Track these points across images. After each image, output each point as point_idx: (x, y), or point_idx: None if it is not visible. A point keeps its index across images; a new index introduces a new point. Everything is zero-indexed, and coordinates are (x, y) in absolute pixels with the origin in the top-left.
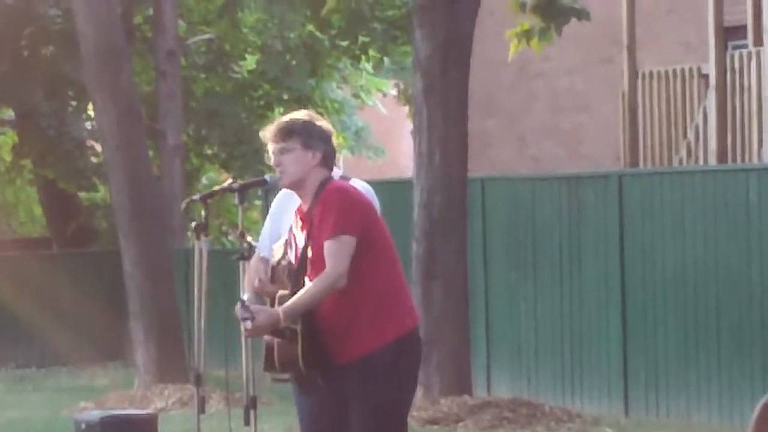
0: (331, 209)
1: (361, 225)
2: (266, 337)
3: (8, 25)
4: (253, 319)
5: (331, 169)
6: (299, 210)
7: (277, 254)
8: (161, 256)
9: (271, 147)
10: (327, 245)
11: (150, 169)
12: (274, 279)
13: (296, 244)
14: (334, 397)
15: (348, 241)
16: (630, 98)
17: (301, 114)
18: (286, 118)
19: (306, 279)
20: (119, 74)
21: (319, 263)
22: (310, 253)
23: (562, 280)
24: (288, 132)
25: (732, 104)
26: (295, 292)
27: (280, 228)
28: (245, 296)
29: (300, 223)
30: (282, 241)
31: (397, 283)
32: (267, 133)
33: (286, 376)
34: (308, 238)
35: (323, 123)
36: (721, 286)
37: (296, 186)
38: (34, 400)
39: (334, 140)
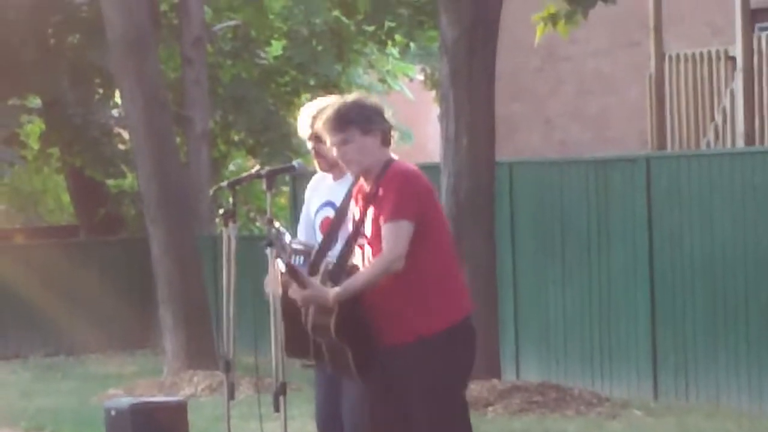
0: (391, 192)
1: (420, 209)
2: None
3: (35, 14)
4: (302, 286)
5: (389, 145)
6: (360, 190)
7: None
8: (189, 243)
9: (328, 140)
10: (385, 228)
11: (177, 156)
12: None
13: (354, 223)
14: (377, 378)
15: (406, 226)
16: (657, 81)
17: (349, 99)
18: (337, 106)
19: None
20: (145, 62)
21: (376, 245)
22: (369, 233)
23: (590, 263)
24: (345, 122)
25: (759, 86)
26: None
27: (309, 213)
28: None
29: (361, 203)
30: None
31: (452, 269)
32: (321, 125)
33: (313, 362)
34: (365, 218)
35: (373, 101)
36: (750, 268)
37: (365, 173)
38: (63, 388)
39: (387, 113)
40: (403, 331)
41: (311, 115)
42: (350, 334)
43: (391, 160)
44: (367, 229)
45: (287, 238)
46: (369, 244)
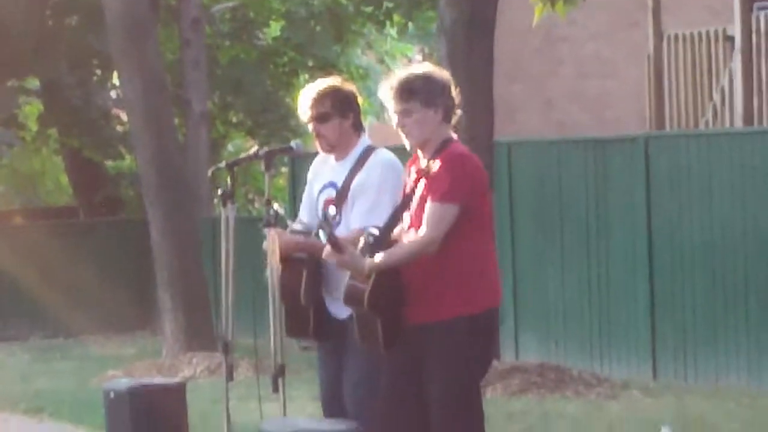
0: (446, 172)
1: (469, 196)
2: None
3: None
4: (340, 250)
5: (451, 122)
6: (416, 165)
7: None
8: (188, 225)
9: (391, 107)
10: (431, 207)
11: (176, 137)
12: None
13: (404, 195)
14: (400, 354)
15: (452, 209)
16: (656, 62)
17: (418, 70)
18: (404, 75)
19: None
20: (144, 44)
21: (417, 219)
22: (414, 207)
23: (589, 244)
24: (408, 92)
25: (758, 66)
26: None
27: (312, 194)
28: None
29: (414, 176)
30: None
31: (488, 259)
32: (386, 93)
33: (311, 343)
34: (415, 192)
35: (441, 74)
36: (749, 249)
37: (422, 146)
38: (62, 370)
39: (454, 90)
40: (434, 311)
41: (311, 97)
42: (383, 306)
43: (450, 139)
44: (414, 203)
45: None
46: (412, 218)
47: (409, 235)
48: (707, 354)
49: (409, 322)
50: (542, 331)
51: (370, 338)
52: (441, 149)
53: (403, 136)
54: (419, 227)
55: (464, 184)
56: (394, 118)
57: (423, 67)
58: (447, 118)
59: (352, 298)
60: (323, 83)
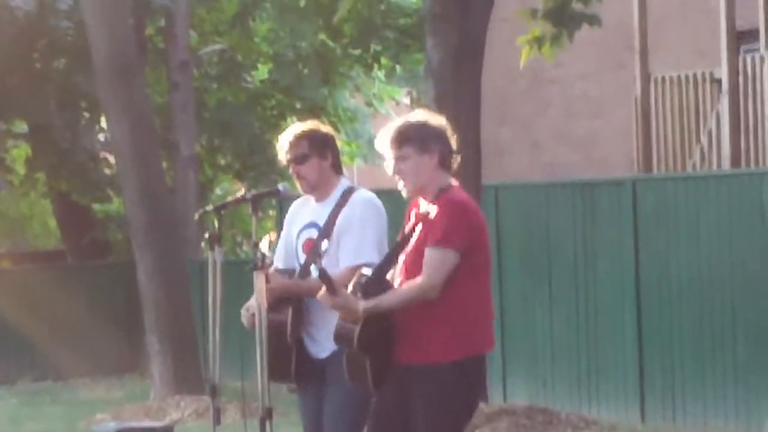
0: (445, 218)
1: (469, 242)
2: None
3: (20, 38)
4: (333, 293)
5: (449, 169)
6: (416, 209)
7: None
8: (176, 268)
9: (387, 154)
10: (429, 253)
11: (164, 180)
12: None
13: (402, 238)
14: (388, 394)
15: (451, 255)
16: (643, 103)
17: (414, 117)
18: (401, 123)
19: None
20: (132, 87)
21: (414, 266)
22: (408, 252)
23: (577, 286)
24: (403, 139)
25: (745, 108)
26: None
27: (288, 236)
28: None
29: (413, 220)
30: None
31: (484, 305)
32: (383, 142)
33: (295, 385)
34: (412, 236)
35: (436, 121)
36: (737, 290)
37: (419, 192)
38: (51, 413)
39: (449, 137)
40: (422, 353)
41: (288, 141)
42: (372, 347)
43: (449, 186)
44: (410, 246)
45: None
46: (404, 263)
47: (401, 279)
48: (695, 396)
49: (396, 362)
50: (530, 373)
51: (359, 377)
52: (440, 195)
53: (399, 183)
54: (412, 271)
55: (463, 230)
56: (390, 166)
57: (419, 114)
58: (443, 163)
59: (342, 337)
60: (300, 126)
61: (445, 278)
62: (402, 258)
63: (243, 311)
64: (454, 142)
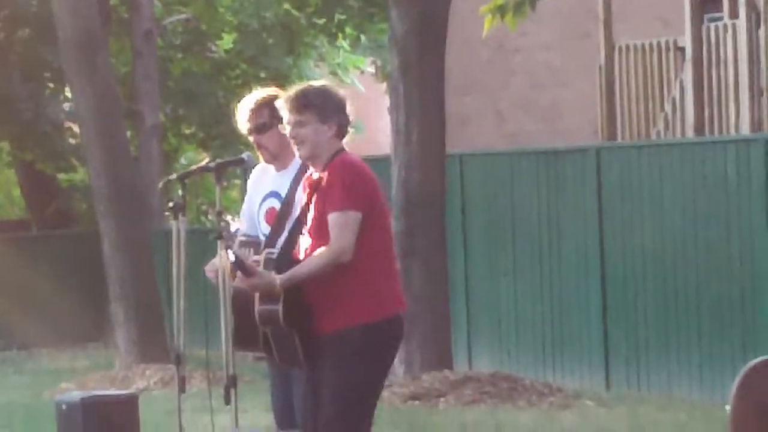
0: (339, 182)
1: (368, 202)
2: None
3: None
4: (249, 275)
5: (343, 138)
6: (308, 179)
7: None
8: (141, 237)
9: (285, 117)
10: (333, 218)
11: (128, 150)
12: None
13: (300, 211)
14: (309, 368)
15: (354, 216)
16: (607, 72)
17: (316, 84)
18: (302, 88)
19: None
20: (96, 57)
21: (318, 234)
22: (309, 222)
23: (541, 254)
24: (304, 105)
25: (708, 77)
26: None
27: (252, 205)
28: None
29: (307, 191)
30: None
31: (389, 266)
32: (282, 103)
33: (264, 354)
34: (310, 207)
35: (338, 92)
36: (701, 259)
37: (312, 159)
38: (15, 383)
39: (349, 108)
40: (335, 320)
41: (249, 108)
42: (297, 321)
43: (340, 150)
44: (309, 218)
45: (233, 227)
46: (309, 232)
47: (308, 250)
48: (660, 364)
49: (315, 333)
50: (495, 341)
51: (289, 354)
52: (330, 161)
53: (294, 147)
54: (318, 241)
55: (359, 190)
56: (287, 129)
57: (322, 82)
58: (339, 134)
59: (267, 319)
60: (260, 93)
61: (354, 239)
62: (306, 230)
63: (208, 267)
64: (351, 115)
